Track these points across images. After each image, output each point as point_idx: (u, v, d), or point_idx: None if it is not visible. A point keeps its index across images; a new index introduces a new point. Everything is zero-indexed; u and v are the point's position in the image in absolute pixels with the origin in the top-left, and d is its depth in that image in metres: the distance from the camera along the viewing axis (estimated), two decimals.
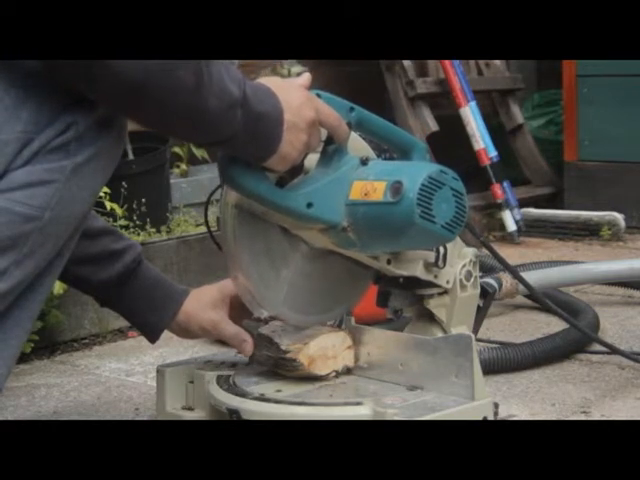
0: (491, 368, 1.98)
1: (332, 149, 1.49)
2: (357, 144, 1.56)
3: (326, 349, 1.59)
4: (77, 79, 1.26)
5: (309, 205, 1.45)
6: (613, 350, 1.95)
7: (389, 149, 1.62)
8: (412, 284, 1.59)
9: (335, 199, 1.48)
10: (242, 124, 1.34)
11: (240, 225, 1.52)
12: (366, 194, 1.46)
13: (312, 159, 1.49)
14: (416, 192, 1.41)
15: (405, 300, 1.61)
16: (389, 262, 1.56)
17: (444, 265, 1.55)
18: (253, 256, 1.53)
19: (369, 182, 1.47)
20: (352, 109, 1.50)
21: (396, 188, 1.43)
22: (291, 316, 1.59)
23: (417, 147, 1.59)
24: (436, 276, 1.57)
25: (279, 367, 1.60)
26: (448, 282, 1.58)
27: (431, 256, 1.55)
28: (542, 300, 1.94)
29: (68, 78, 1.26)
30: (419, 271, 1.56)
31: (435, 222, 1.43)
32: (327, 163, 1.49)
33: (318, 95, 1.46)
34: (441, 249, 1.55)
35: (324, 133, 1.47)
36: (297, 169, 1.46)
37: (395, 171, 1.47)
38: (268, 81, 1.41)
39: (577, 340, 2.12)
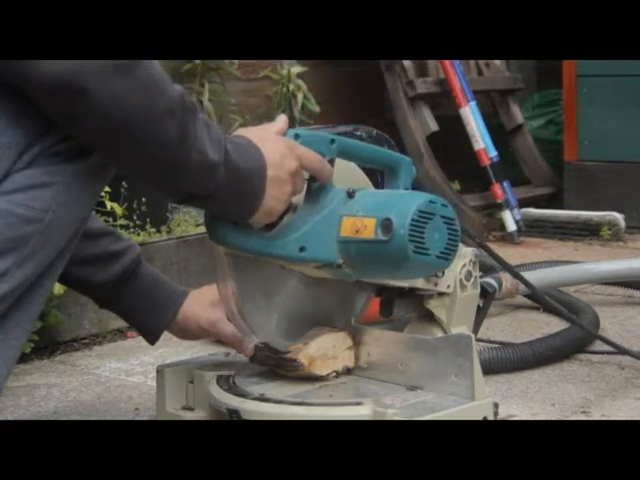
0: (491, 368, 1.98)
1: (317, 186, 1.47)
2: (345, 168, 1.55)
3: (326, 349, 1.59)
4: (57, 115, 1.25)
5: (302, 249, 1.44)
6: (616, 347, 1.94)
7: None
8: (414, 292, 1.59)
9: (326, 238, 1.46)
10: (224, 182, 1.32)
11: (234, 267, 1.51)
12: (357, 231, 1.45)
13: (298, 196, 1.46)
14: (407, 228, 1.40)
15: (409, 308, 1.61)
16: None
17: (443, 274, 1.55)
18: (245, 282, 1.52)
19: (359, 218, 1.45)
20: (333, 141, 1.48)
21: (386, 225, 1.42)
22: (282, 343, 1.58)
23: (402, 163, 1.58)
24: (436, 284, 1.57)
25: (279, 367, 1.60)
26: (449, 287, 1.58)
27: None
28: (545, 301, 1.94)
29: (49, 112, 1.25)
30: (419, 282, 1.56)
31: (429, 254, 1.43)
32: (314, 200, 1.47)
33: (297, 135, 1.44)
34: None
35: (306, 173, 1.45)
36: (284, 210, 1.44)
37: (383, 206, 1.45)
38: (247, 132, 1.40)
39: (577, 340, 2.12)
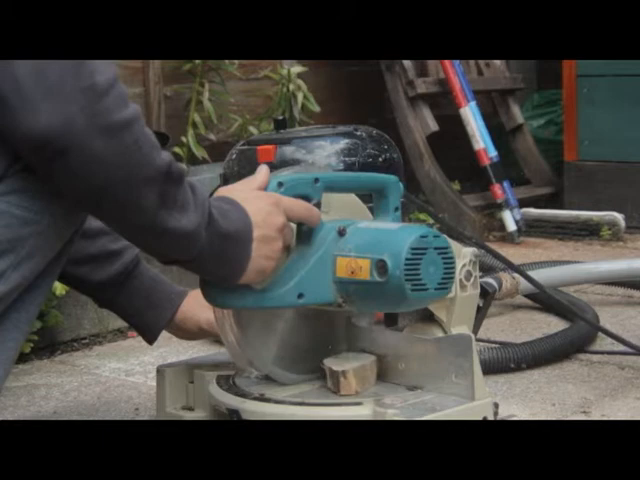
0: (491, 368, 1.98)
1: (307, 228, 1.45)
2: (349, 203, 1.56)
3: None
4: (37, 169, 1.24)
5: (300, 296, 1.43)
6: (620, 340, 1.93)
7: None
8: None
9: (323, 280, 1.46)
10: (207, 246, 1.31)
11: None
12: (352, 272, 1.44)
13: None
14: (402, 269, 1.40)
15: (413, 316, 1.61)
16: None
17: None
18: (244, 314, 1.51)
19: (353, 259, 1.45)
20: (317, 180, 1.46)
21: (381, 267, 1.41)
22: (282, 375, 1.57)
23: (390, 184, 1.56)
24: None
25: None
26: (450, 290, 1.58)
27: None
28: (548, 296, 1.93)
29: (29, 163, 1.24)
30: None
31: (427, 289, 1.43)
32: (305, 242, 1.45)
33: (280, 184, 1.42)
34: None
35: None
36: None
37: (375, 245, 1.44)
38: (229, 192, 1.38)
39: (577, 340, 2.13)
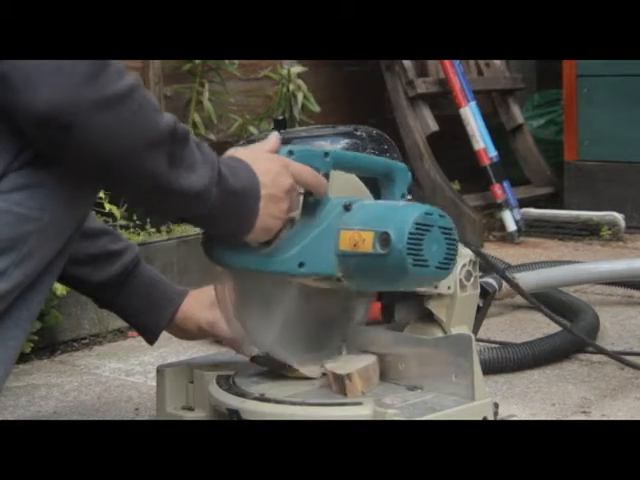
0: (491, 368, 1.98)
1: (313, 200, 1.47)
2: (349, 182, 1.55)
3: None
4: (43, 147, 1.25)
5: (301, 265, 1.44)
6: (605, 353, 1.93)
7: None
8: (414, 294, 1.59)
9: (325, 252, 1.46)
10: (217, 203, 1.33)
11: (233, 277, 1.51)
12: (355, 245, 1.45)
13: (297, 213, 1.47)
14: (405, 242, 1.40)
15: (410, 311, 1.61)
16: None
17: None
18: (245, 292, 1.52)
19: (356, 232, 1.45)
20: (326, 154, 1.48)
21: (384, 239, 1.41)
22: (285, 355, 1.58)
23: (398, 170, 1.58)
24: (437, 286, 1.57)
25: (280, 367, 1.60)
26: (449, 288, 1.58)
27: None
28: (536, 304, 1.93)
29: (35, 143, 1.25)
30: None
31: (428, 265, 1.43)
32: (310, 214, 1.47)
33: (290, 152, 1.44)
34: None
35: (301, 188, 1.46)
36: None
37: (380, 219, 1.45)
38: (240, 153, 1.41)
39: (577, 340, 2.12)
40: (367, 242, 1.44)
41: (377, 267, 1.44)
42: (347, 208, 1.49)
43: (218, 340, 1.81)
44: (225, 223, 1.37)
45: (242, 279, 1.51)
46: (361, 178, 1.59)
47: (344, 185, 1.54)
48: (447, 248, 1.45)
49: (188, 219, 1.37)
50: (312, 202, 1.46)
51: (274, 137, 1.46)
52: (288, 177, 1.40)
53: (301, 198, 1.46)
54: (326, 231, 1.47)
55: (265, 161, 1.40)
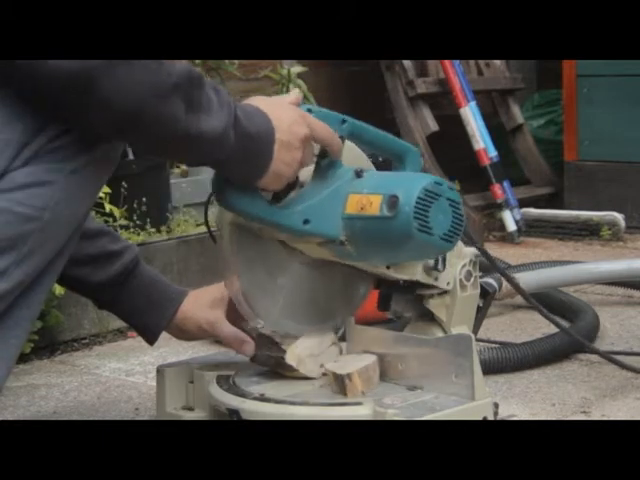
0: (491, 368, 1.98)
1: (326, 163, 1.48)
2: (352, 153, 1.55)
3: (312, 347, 1.59)
4: (68, 111, 1.27)
5: (306, 222, 1.45)
6: (599, 354, 1.92)
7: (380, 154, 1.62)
8: (413, 286, 1.59)
9: (331, 213, 1.47)
10: (234, 146, 1.34)
11: (237, 241, 1.52)
12: (362, 208, 1.45)
13: (306, 172, 1.48)
14: (412, 205, 1.40)
15: (407, 303, 1.61)
16: (388, 267, 1.56)
17: (444, 268, 1.55)
18: (249, 264, 1.53)
19: (364, 195, 1.46)
20: (344, 121, 1.49)
21: (392, 202, 1.42)
22: (289, 326, 1.59)
23: (410, 152, 1.59)
24: (436, 279, 1.57)
25: (280, 367, 1.60)
26: (448, 284, 1.58)
27: (431, 260, 1.55)
28: (535, 304, 1.93)
29: (59, 109, 1.27)
30: (419, 275, 1.56)
31: (433, 234, 1.42)
32: (322, 177, 1.48)
33: (309, 111, 1.46)
34: None
35: (317, 147, 1.47)
36: (292, 184, 1.46)
37: (390, 184, 1.46)
38: (258, 101, 1.42)
39: (576, 340, 2.12)
40: (374, 205, 1.44)
41: (382, 230, 1.44)
42: (358, 175, 1.50)
43: (218, 340, 1.81)
44: (239, 166, 1.38)
45: (246, 245, 1.52)
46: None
47: (352, 160, 1.55)
48: (453, 221, 1.45)
49: (207, 164, 1.39)
50: (324, 165, 1.48)
51: (295, 93, 1.48)
52: (304, 128, 1.42)
53: (314, 160, 1.47)
54: (335, 193, 1.48)
55: (283, 108, 1.42)
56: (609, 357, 1.90)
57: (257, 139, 1.37)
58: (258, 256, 1.54)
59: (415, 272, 1.55)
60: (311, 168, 1.49)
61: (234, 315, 1.69)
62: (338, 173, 1.49)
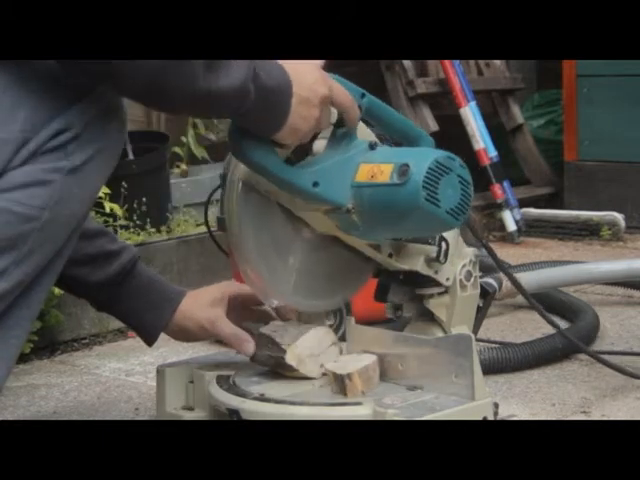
0: (491, 368, 1.98)
1: (341, 132, 1.50)
2: (362, 131, 1.56)
3: (312, 347, 1.59)
4: (93, 73, 1.29)
5: (315, 184, 1.46)
6: (597, 359, 1.92)
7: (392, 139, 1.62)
8: (412, 280, 1.59)
9: (341, 180, 1.48)
10: (254, 99, 1.36)
11: (245, 205, 1.53)
12: (372, 176, 1.46)
13: (321, 145, 1.50)
14: (422, 174, 1.41)
15: (404, 296, 1.61)
16: (390, 255, 1.56)
17: (445, 260, 1.55)
18: (260, 247, 1.54)
19: (376, 165, 1.47)
20: (364, 95, 1.52)
21: (403, 170, 1.43)
22: (302, 302, 1.60)
23: (424, 138, 1.60)
24: (437, 272, 1.56)
25: (280, 367, 1.60)
26: (448, 279, 1.58)
27: (433, 251, 1.55)
28: (533, 304, 1.92)
29: (84, 72, 1.29)
30: (420, 265, 1.55)
31: (440, 206, 1.43)
32: (336, 146, 1.50)
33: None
34: (443, 244, 1.55)
35: (334, 117, 1.49)
36: (305, 150, 1.48)
37: (403, 154, 1.48)
38: (283, 61, 1.43)
39: (577, 340, 2.12)
40: (385, 173, 1.45)
41: (390, 197, 1.44)
42: (372, 147, 1.52)
43: (218, 340, 1.80)
44: (258, 118, 1.40)
45: (255, 209, 1.53)
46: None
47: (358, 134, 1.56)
48: (461, 198, 1.46)
49: (227, 116, 1.41)
50: (340, 134, 1.50)
51: (319, 61, 1.49)
52: (325, 88, 1.43)
53: (331, 129, 1.49)
54: (347, 161, 1.49)
55: (307, 68, 1.44)
56: (604, 361, 1.90)
57: (277, 92, 1.39)
58: (267, 238, 1.55)
59: (416, 262, 1.55)
60: (325, 141, 1.50)
61: (234, 315, 1.69)
62: (353, 144, 1.51)
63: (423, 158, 1.43)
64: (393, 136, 1.60)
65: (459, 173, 1.45)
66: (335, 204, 1.48)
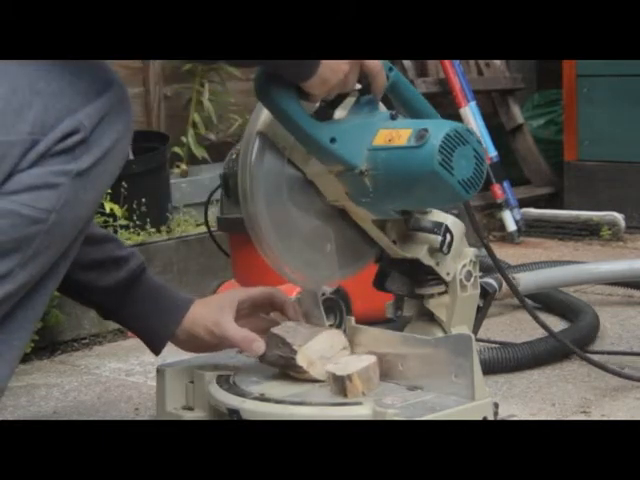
0: (491, 368, 1.98)
1: (365, 100, 1.54)
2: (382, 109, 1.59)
3: (324, 350, 1.58)
4: None
5: (332, 140, 1.48)
6: (591, 362, 1.91)
7: None
8: (412, 271, 1.59)
9: (359, 142, 1.50)
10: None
11: (259, 162, 1.53)
12: (390, 140, 1.48)
13: (342, 114, 1.53)
14: (440, 139, 1.43)
15: (402, 286, 1.61)
16: (395, 242, 1.56)
17: (448, 251, 1.55)
18: (270, 210, 1.55)
19: (395, 129, 1.49)
20: (391, 69, 1.56)
21: (421, 134, 1.44)
22: (315, 274, 1.60)
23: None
24: (438, 263, 1.56)
25: (290, 368, 1.58)
26: (448, 274, 1.58)
27: (437, 242, 1.55)
28: (528, 307, 1.92)
29: None
30: (422, 254, 1.55)
31: (453, 174, 1.44)
32: (358, 111, 1.54)
33: None
34: (448, 235, 1.55)
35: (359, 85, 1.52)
36: (328, 114, 1.50)
37: (422, 121, 1.51)
38: None
39: (577, 340, 2.12)
40: (403, 137, 1.47)
41: (405, 160, 1.46)
42: (393, 117, 1.55)
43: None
44: (290, 65, 1.42)
45: (271, 170, 1.54)
46: None
47: None
48: (474, 171, 1.48)
49: (260, 63, 1.44)
50: (364, 101, 1.54)
51: None
52: None
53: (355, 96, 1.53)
54: (367, 125, 1.52)
55: None
56: (599, 364, 1.89)
57: None
58: (276, 188, 1.55)
59: (420, 251, 1.55)
60: (347, 112, 1.53)
61: (244, 321, 1.67)
62: (375, 112, 1.54)
63: (443, 125, 1.46)
64: (412, 116, 1.61)
65: (475, 147, 1.47)
66: (349, 164, 1.49)
